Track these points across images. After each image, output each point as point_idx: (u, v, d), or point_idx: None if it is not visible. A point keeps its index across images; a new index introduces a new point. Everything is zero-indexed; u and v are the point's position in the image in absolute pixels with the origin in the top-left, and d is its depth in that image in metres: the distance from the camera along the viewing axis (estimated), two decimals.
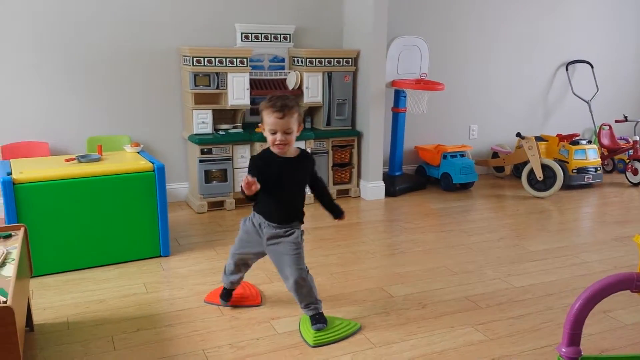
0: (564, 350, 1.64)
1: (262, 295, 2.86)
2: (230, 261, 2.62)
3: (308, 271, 2.47)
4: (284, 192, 2.41)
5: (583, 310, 1.63)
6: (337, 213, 2.59)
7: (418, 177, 5.26)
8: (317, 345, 2.39)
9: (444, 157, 5.09)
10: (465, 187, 5.14)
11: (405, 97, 4.89)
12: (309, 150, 4.52)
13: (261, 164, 2.38)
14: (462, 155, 5.15)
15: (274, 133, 2.31)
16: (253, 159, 2.48)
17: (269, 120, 2.30)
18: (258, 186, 2.26)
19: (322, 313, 2.50)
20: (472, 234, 3.89)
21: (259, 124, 2.40)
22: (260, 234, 2.47)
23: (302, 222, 2.50)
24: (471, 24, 5.40)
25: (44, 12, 3.98)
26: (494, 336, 2.50)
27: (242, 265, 2.63)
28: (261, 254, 2.57)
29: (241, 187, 2.29)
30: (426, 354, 2.34)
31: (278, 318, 2.63)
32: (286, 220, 2.44)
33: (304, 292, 2.45)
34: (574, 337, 1.65)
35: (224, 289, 2.73)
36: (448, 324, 2.61)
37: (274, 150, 2.36)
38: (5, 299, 1.77)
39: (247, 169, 2.41)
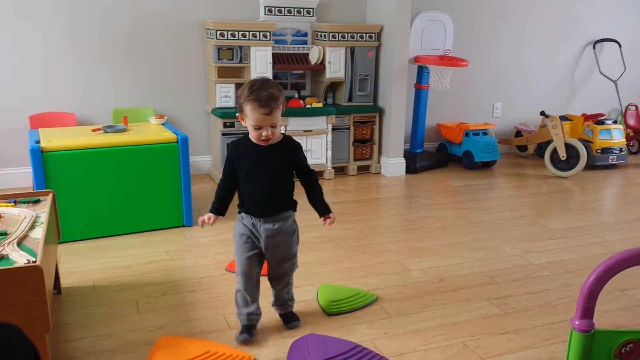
0: (577, 323, 1.66)
1: None
2: (240, 287, 2.24)
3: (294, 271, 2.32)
4: (266, 181, 2.15)
5: (597, 284, 1.64)
6: (324, 212, 2.28)
7: (439, 154, 5.25)
8: (333, 314, 2.44)
9: (466, 135, 5.06)
10: (487, 165, 5.12)
11: (428, 73, 4.86)
12: (329, 126, 4.54)
13: (235, 156, 2.18)
14: (485, 134, 5.12)
15: (258, 128, 2.06)
16: (228, 148, 2.22)
17: (253, 116, 2.03)
18: (213, 220, 2.21)
19: (292, 311, 2.38)
20: (492, 212, 3.89)
21: (237, 114, 2.15)
22: (257, 233, 2.20)
23: (295, 210, 2.27)
24: (497, 1, 5.32)
25: None
26: (509, 310, 2.52)
27: (254, 286, 2.26)
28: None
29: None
30: (441, 325, 2.38)
31: (296, 287, 2.67)
32: (277, 210, 2.20)
33: (286, 290, 2.32)
34: (587, 310, 1.66)
35: (243, 325, 2.29)
36: (464, 297, 2.64)
37: (258, 142, 2.13)
38: (34, 259, 1.85)
39: None
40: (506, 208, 3.98)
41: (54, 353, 2.14)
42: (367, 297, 2.57)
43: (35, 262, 1.83)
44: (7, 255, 1.89)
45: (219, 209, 2.25)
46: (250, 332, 2.26)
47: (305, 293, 2.63)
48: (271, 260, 2.25)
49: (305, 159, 2.29)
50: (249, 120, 2.06)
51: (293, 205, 2.27)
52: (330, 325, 2.36)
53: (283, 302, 2.37)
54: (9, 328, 1.14)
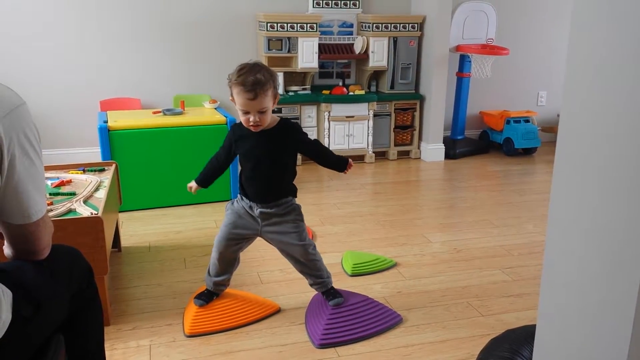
0: None
1: (313, 234, 3.22)
2: (215, 256, 2.30)
3: (314, 247, 2.30)
4: (262, 167, 2.15)
5: None
6: (342, 164, 2.29)
7: (480, 141, 5.40)
8: (354, 275, 2.73)
9: (507, 122, 5.18)
10: (528, 152, 5.23)
11: (469, 62, 5.02)
12: (371, 112, 4.78)
13: (233, 138, 2.22)
14: (527, 121, 5.23)
15: (246, 113, 2.05)
16: (231, 128, 2.27)
17: (239, 100, 2.03)
18: (195, 188, 2.33)
19: (333, 287, 2.36)
20: (524, 194, 4.05)
21: (230, 97, 2.12)
22: (254, 216, 2.22)
23: (295, 196, 2.28)
24: None
25: None
26: (517, 278, 2.72)
27: (230, 258, 2.32)
28: (251, 239, 2.31)
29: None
30: (450, 287, 2.62)
31: (324, 253, 2.96)
32: (275, 197, 2.19)
33: (313, 268, 2.30)
34: None
35: (206, 289, 2.38)
36: (477, 266, 2.86)
37: (248, 127, 2.10)
38: (96, 212, 2.23)
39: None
40: (538, 191, 4.12)
41: (114, 296, 2.54)
42: (387, 262, 2.84)
43: (97, 214, 2.22)
44: (75, 209, 2.28)
45: (203, 180, 2.34)
46: (210, 299, 2.35)
47: (332, 258, 2.93)
48: (277, 246, 2.29)
49: (306, 135, 2.25)
50: (238, 104, 2.06)
51: (292, 192, 2.26)
52: (350, 284, 2.64)
53: (316, 282, 2.34)
54: (69, 249, 1.49)
